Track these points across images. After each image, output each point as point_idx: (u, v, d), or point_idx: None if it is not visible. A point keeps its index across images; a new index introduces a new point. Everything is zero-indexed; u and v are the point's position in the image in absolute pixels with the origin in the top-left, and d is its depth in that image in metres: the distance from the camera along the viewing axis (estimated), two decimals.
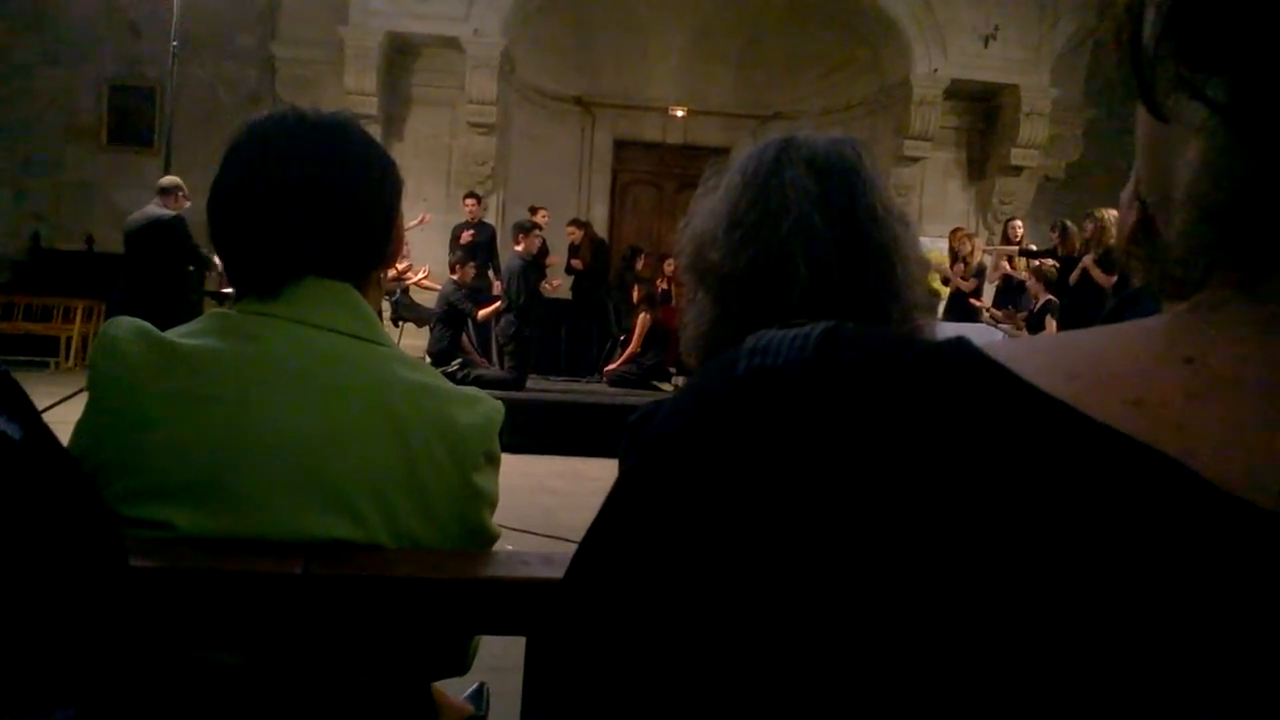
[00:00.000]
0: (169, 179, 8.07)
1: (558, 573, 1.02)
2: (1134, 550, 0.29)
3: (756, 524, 0.33)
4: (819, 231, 1.04)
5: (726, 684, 0.32)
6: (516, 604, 1.02)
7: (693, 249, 1.12)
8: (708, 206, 1.12)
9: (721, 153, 12.87)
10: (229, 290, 7.72)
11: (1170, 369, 0.33)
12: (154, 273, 7.65)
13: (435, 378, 1.18)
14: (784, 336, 0.37)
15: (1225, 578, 0.28)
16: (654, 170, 13.78)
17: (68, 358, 11.00)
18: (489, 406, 1.17)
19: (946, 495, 0.31)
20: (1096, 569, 0.29)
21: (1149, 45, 0.34)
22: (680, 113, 13.23)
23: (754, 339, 0.38)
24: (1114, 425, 0.31)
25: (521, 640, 1.04)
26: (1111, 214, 7.78)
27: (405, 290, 9.95)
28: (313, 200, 1.13)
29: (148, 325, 1.11)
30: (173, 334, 1.11)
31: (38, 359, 10.48)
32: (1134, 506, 0.30)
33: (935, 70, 11.48)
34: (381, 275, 1.26)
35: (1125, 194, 1.71)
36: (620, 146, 13.67)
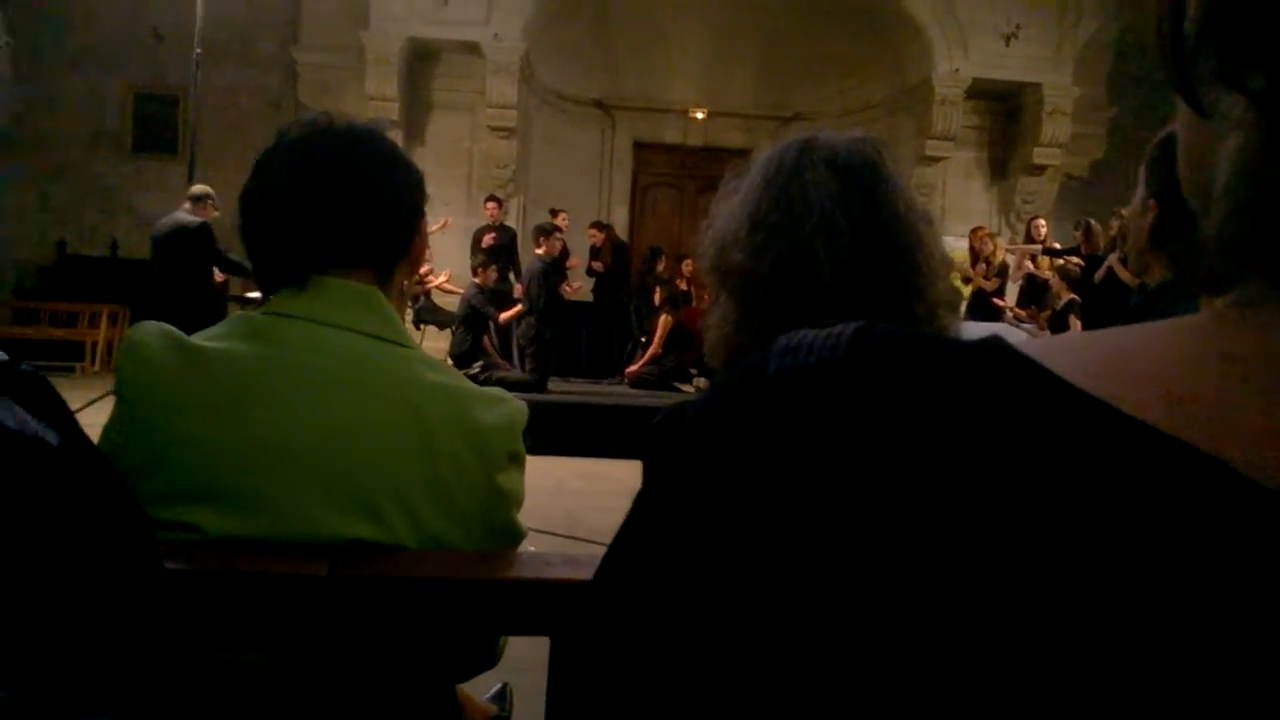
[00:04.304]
0: (200, 188, 8.16)
1: (581, 574, 1.02)
2: (1175, 548, 0.29)
3: (791, 524, 0.33)
4: (842, 231, 1.04)
5: (759, 686, 0.32)
6: (540, 605, 1.02)
7: (715, 251, 1.12)
8: (729, 208, 1.12)
9: (742, 154, 12.84)
10: (253, 295, 7.79)
11: (1208, 366, 0.33)
12: (181, 278, 7.72)
13: (458, 379, 1.19)
14: (815, 336, 0.37)
15: (1267, 574, 0.28)
16: (674, 172, 13.77)
17: (93, 362, 11.09)
18: (512, 407, 1.17)
19: (987, 494, 0.31)
20: (1138, 567, 0.29)
21: (1189, 38, 0.34)
22: (700, 115, 13.21)
23: (784, 339, 0.38)
24: (1152, 423, 0.31)
25: (544, 640, 1.04)
26: None
27: (427, 294, 9.99)
28: (340, 193, 1.15)
29: (172, 329, 1.12)
30: (197, 337, 1.12)
31: (63, 364, 10.57)
32: (1174, 504, 0.29)
33: (957, 70, 11.42)
34: (405, 283, 1.28)
35: (1136, 199, 1.68)
36: (640, 149, 13.66)
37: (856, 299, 1.03)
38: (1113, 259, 7.94)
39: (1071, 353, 0.34)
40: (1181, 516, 0.29)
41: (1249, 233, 0.33)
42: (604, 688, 0.37)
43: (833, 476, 0.33)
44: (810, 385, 0.35)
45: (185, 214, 7.97)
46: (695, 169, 13.43)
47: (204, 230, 7.86)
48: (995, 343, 0.35)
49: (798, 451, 0.34)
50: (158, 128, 12.32)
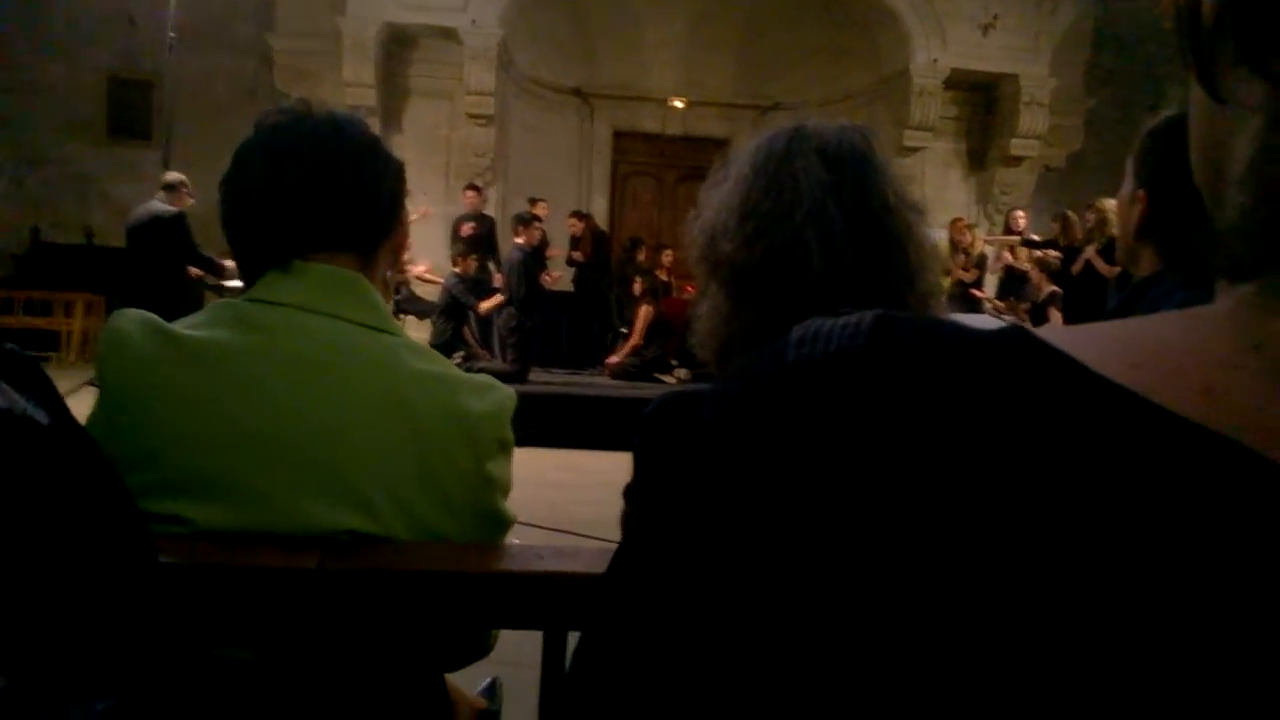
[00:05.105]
0: (173, 175, 8.08)
1: (573, 566, 1.02)
2: (1211, 540, 0.28)
3: (818, 516, 0.32)
4: (833, 221, 1.03)
5: (787, 679, 0.32)
6: (532, 598, 1.01)
7: (704, 240, 1.11)
8: (718, 198, 1.11)
9: (722, 144, 12.82)
10: (231, 284, 7.72)
11: (1238, 356, 0.32)
12: (156, 268, 7.65)
13: (446, 366, 1.18)
14: (833, 325, 0.36)
15: None
16: (654, 161, 13.73)
17: (69, 352, 10.98)
18: (501, 394, 1.17)
19: (1021, 490, 0.30)
20: (1173, 559, 0.28)
21: (1207, 23, 0.33)
22: (679, 104, 13.18)
23: (800, 329, 0.37)
24: (1185, 414, 0.30)
25: (533, 635, 1.03)
26: (1111, 204, 7.76)
27: (405, 283, 9.95)
28: (321, 175, 1.15)
29: (153, 317, 1.11)
30: (180, 325, 1.11)
31: (39, 354, 10.41)
32: (1209, 496, 0.29)
33: (935, 60, 11.44)
34: (390, 272, 1.27)
35: (1125, 190, 1.68)
36: (619, 138, 13.62)
37: (848, 289, 1.02)
38: (1090, 251, 7.99)
39: (1097, 343, 0.34)
40: (1216, 508, 0.29)
41: (1271, 219, 0.33)
42: (618, 680, 0.37)
43: (859, 469, 0.32)
44: (832, 375, 0.34)
45: (160, 203, 7.89)
46: (675, 158, 13.40)
47: (179, 220, 7.78)
48: (1020, 333, 0.34)
49: (822, 444, 0.33)
50: (132, 114, 12.18)
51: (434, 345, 9.01)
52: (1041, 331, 0.35)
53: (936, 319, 0.36)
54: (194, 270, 8.03)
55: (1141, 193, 1.49)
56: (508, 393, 1.18)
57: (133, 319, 1.09)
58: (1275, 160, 0.32)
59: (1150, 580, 0.28)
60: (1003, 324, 0.37)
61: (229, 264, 7.17)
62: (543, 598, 1.00)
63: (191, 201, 7.94)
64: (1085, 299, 7.87)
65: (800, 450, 0.33)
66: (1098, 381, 0.32)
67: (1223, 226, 0.36)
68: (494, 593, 1.02)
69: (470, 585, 1.01)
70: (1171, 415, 0.31)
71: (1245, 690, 0.27)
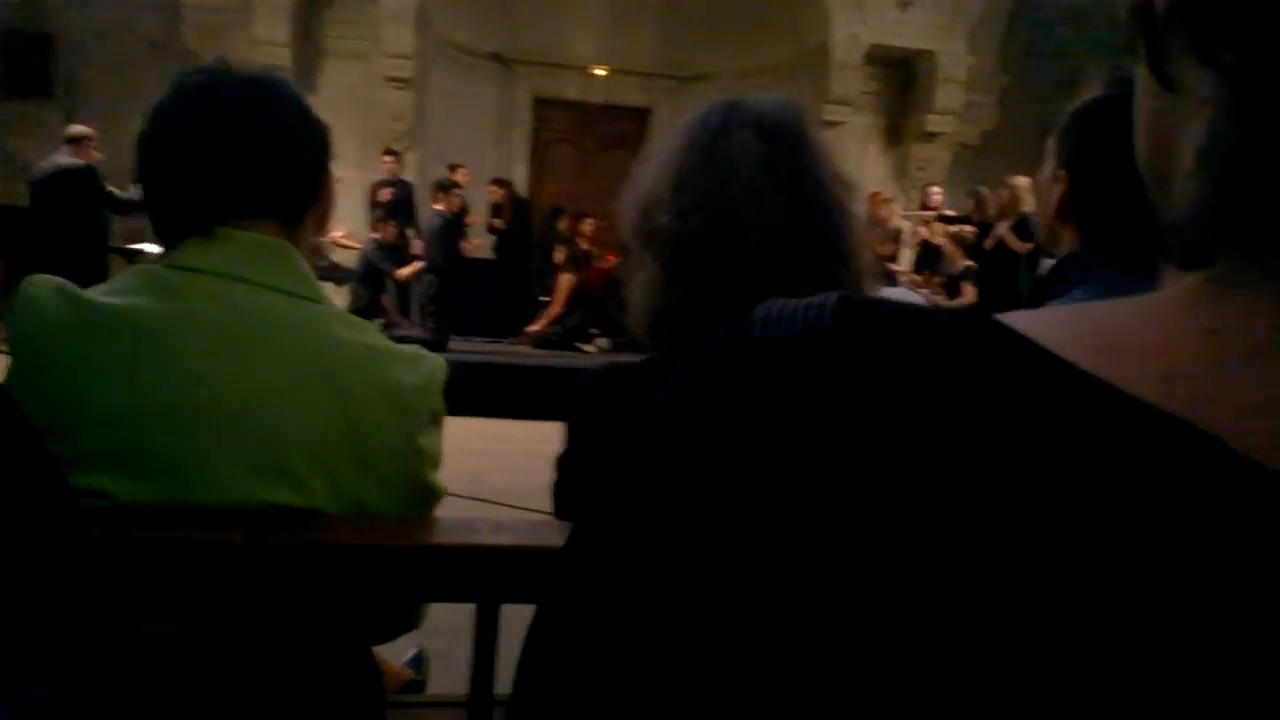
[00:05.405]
0: (78, 128, 7.78)
1: (508, 539, 1.01)
2: (1169, 523, 0.29)
3: (785, 498, 0.32)
4: (768, 195, 1.04)
5: (757, 665, 0.32)
6: (465, 571, 1.01)
7: (639, 213, 1.11)
8: (653, 170, 1.11)
9: (643, 113, 12.80)
10: (138, 247, 7.43)
11: (1194, 341, 0.33)
12: (63, 225, 7.35)
13: (375, 336, 1.16)
14: (796, 305, 0.36)
15: (1259, 548, 0.29)
16: (575, 129, 13.63)
17: None
18: (431, 365, 1.15)
19: (988, 474, 0.31)
20: (1133, 543, 0.29)
21: (1161, 11, 0.34)
22: (601, 72, 13.09)
23: (763, 308, 0.37)
24: (1144, 398, 0.31)
25: (458, 605, 1.02)
26: (1023, 181, 7.95)
27: (325, 250, 9.75)
28: (247, 138, 1.11)
29: (68, 284, 1.06)
30: (95, 293, 1.07)
31: None
32: (1167, 479, 0.30)
33: (854, 35, 11.52)
34: (314, 241, 1.24)
35: (1046, 169, 1.71)
36: (540, 105, 13.48)
37: (783, 263, 1.03)
38: (1002, 227, 8.19)
39: (1058, 328, 0.35)
40: (1174, 491, 0.29)
41: (1226, 208, 0.34)
42: (578, 661, 0.37)
43: (830, 450, 0.32)
44: (796, 357, 0.35)
45: (65, 157, 7.59)
46: (596, 126, 13.32)
47: (89, 173, 7.50)
48: (983, 317, 0.35)
49: (792, 424, 0.33)
50: (31, 70, 11.64)
51: (351, 312, 8.86)
52: (1007, 317, 0.35)
53: (895, 301, 0.37)
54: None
55: (1063, 173, 1.52)
56: (438, 363, 1.17)
57: (47, 285, 1.05)
58: (1227, 150, 0.33)
59: (1113, 562, 0.29)
60: (921, 298, 0.37)
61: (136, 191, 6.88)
62: (477, 571, 1.00)
63: (99, 156, 7.65)
64: (998, 273, 8.07)
65: (771, 430, 0.33)
66: (1059, 365, 0.33)
67: (1171, 215, 0.36)
68: (428, 567, 1.01)
69: (403, 559, 1.00)
70: (1130, 398, 0.31)
71: (1202, 664, 0.28)
